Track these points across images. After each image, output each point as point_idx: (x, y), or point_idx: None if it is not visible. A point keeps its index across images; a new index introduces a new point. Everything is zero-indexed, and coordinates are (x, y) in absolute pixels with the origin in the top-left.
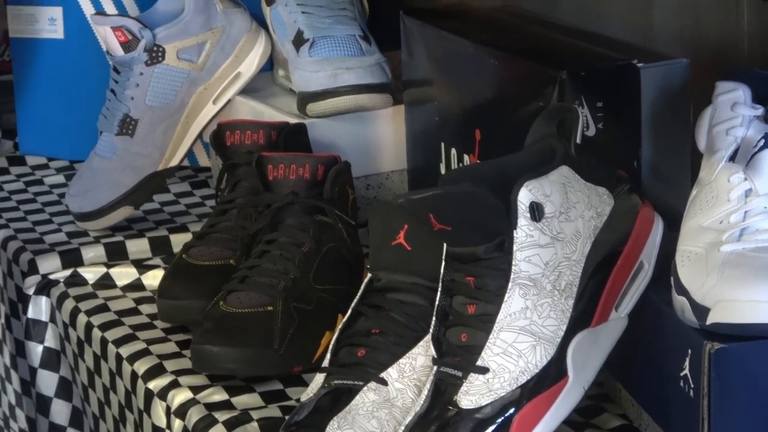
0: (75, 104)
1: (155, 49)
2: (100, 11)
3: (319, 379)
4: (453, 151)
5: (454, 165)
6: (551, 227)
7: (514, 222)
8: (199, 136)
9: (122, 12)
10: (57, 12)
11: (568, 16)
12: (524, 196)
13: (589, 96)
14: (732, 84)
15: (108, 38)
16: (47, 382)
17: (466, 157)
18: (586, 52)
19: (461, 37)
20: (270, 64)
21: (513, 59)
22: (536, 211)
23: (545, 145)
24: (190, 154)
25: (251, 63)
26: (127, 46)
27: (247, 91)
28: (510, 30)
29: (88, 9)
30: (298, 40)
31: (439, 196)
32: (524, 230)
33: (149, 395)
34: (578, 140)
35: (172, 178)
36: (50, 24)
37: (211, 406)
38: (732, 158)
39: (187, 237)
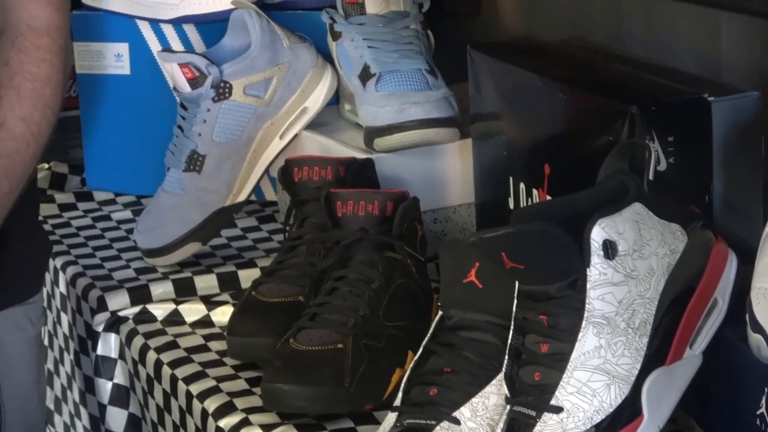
0: (142, 139)
1: (222, 85)
2: (167, 48)
3: (391, 418)
4: (521, 185)
5: (522, 199)
6: (625, 265)
7: (588, 260)
8: (266, 171)
9: (188, 48)
10: (123, 48)
11: (635, 48)
12: (597, 234)
13: (659, 131)
14: None
15: (175, 75)
16: (116, 419)
17: (535, 192)
18: (655, 85)
19: (529, 71)
20: (336, 98)
21: (582, 93)
22: (609, 249)
23: (617, 182)
24: (256, 188)
25: (317, 98)
26: (195, 82)
27: (314, 125)
28: (578, 63)
29: (154, 45)
30: (365, 75)
31: (512, 234)
32: (597, 268)
33: None
34: (650, 177)
35: (239, 212)
36: (117, 60)
37: None
38: None
39: (255, 272)
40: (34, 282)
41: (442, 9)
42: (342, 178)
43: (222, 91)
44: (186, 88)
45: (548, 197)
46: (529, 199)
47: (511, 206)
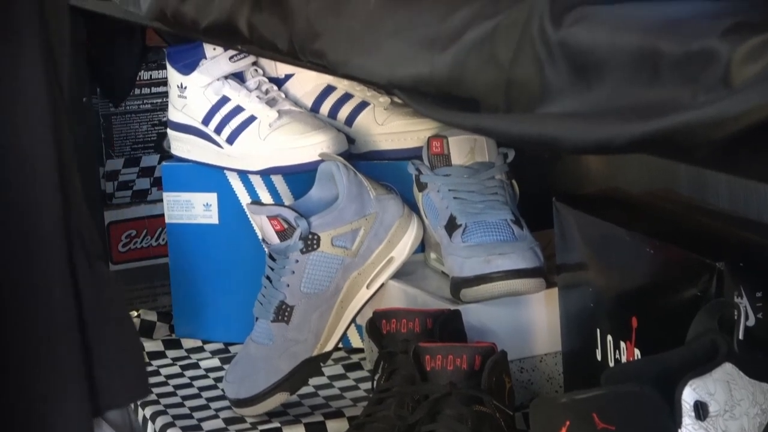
0: (229, 288)
1: (310, 236)
2: (255, 200)
3: None
4: (609, 337)
5: (610, 352)
6: (716, 426)
7: (679, 421)
8: (353, 319)
9: (276, 198)
10: (212, 198)
11: (720, 200)
12: (688, 395)
13: (747, 286)
14: None
15: (264, 227)
16: None
17: (622, 344)
18: (742, 240)
19: (615, 224)
20: (422, 247)
21: (669, 248)
22: (701, 411)
23: (707, 341)
24: (344, 337)
25: (404, 248)
26: (283, 234)
27: (400, 274)
28: (664, 216)
29: (242, 195)
30: (451, 226)
31: (603, 396)
32: (689, 429)
33: None
34: (740, 336)
35: (326, 361)
36: (206, 209)
37: None
38: None
39: (343, 423)
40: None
41: (524, 153)
42: (430, 330)
43: (310, 242)
44: (275, 239)
45: (636, 350)
46: (617, 351)
47: (599, 358)
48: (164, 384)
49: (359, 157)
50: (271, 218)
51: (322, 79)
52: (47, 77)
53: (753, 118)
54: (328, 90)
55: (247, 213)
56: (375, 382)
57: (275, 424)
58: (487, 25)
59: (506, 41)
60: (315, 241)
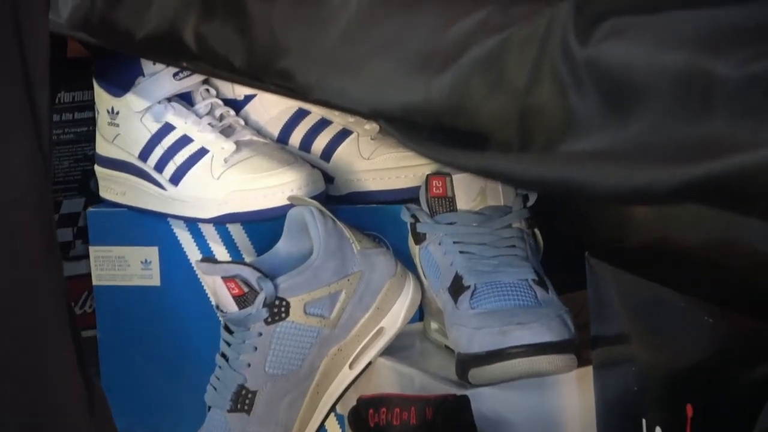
0: (174, 369)
1: (277, 303)
2: (207, 256)
3: None
4: (657, 430)
5: None
6: None
7: None
8: (332, 408)
9: (234, 254)
10: (152, 253)
11: None
12: None
13: None
14: None
15: (218, 291)
16: None
17: None
18: None
19: (665, 285)
20: (420, 315)
21: (733, 317)
22: None
23: None
24: (321, 430)
25: (396, 316)
26: (243, 300)
27: (392, 350)
28: (727, 276)
29: (191, 250)
30: (457, 288)
31: None
32: None
33: None
34: None
35: None
36: (144, 268)
37: None
38: None
39: None
40: None
41: (549, 197)
42: (430, 422)
43: (277, 310)
44: (232, 307)
45: None
46: None
47: None
48: None
49: (340, 200)
50: (227, 279)
51: (293, 102)
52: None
53: None
54: (300, 115)
55: (197, 272)
56: None
57: None
58: (495, 40)
59: (520, 60)
60: (283, 309)
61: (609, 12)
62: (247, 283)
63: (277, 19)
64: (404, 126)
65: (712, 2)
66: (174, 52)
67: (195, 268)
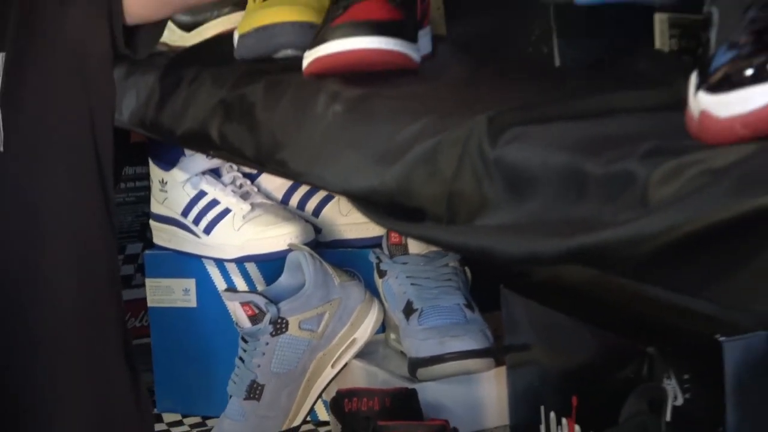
0: (207, 367)
1: (280, 321)
2: (230, 287)
3: None
4: (552, 414)
5: (553, 427)
6: None
7: None
8: (319, 396)
9: (250, 284)
10: (191, 284)
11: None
12: None
13: (676, 369)
14: None
15: (237, 312)
16: None
17: (564, 420)
18: (671, 326)
19: (559, 310)
20: (382, 328)
21: (605, 334)
22: None
23: (638, 422)
24: (312, 413)
25: (366, 330)
26: (255, 319)
27: (362, 354)
28: (604, 303)
29: (218, 281)
30: (408, 310)
31: None
32: None
33: None
34: (668, 418)
35: None
36: (184, 294)
37: None
38: None
39: None
40: None
41: None
42: (388, 408)
43: (279, 326)
44: (247, 324)
45: (576, 427)
46: (559, 427)
47: None
48: None
49: (325, 245)
50: (243, 304)
51: None
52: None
53: (668, 237)
54: (297, 184)
55: (223, 299)
56: None
57: None
58: (431, 142)
59: (448, 157)
60: (284, 325)
61: (512, 123)
62: (258, 307)
63: (276, 123)
64: (366, 203)
65: (585, 117)
66: (203, 145)
67: (221, 295)
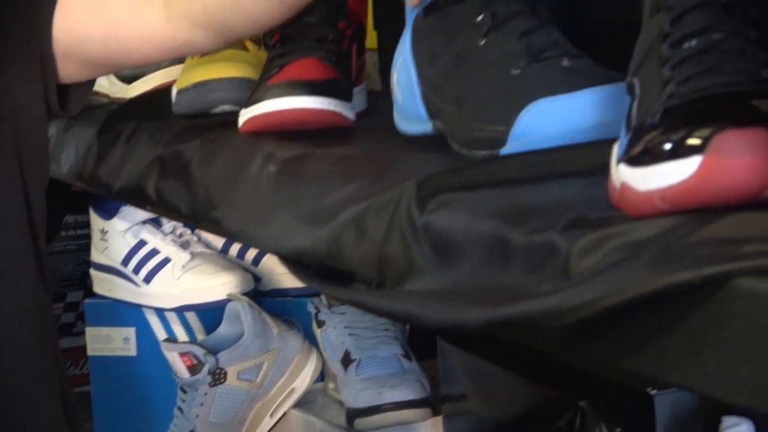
0: (146, 416)
1: (218, 371)
2: (170, 336)
3: None
4: None
5: None
6: None
7: None
8: None
9: (189, 332)
10: (131, 332)
11: None
12: None
13: (607, 422)
14: (736, 419)
15: (176, 363)
16: None
17: None
18: (603, 379)
19: (494, 362)
20: (321, 377)
21: (539, 387)
22: None
23: None
24: None
25: (304, 379)
26: (193, 369)
27: (301, 404)
28: (537, 356)
29: (158, 330)
30: (346, 360)
31: None
32: None
33: None
34: None
35: None
36: (124, 343)
37: None
38: None
39: None
40: None
41: None
42: None
43: (218, 376)
44: (185, 374)
45: None
46: None
47: None
48: None
49: (265, 295)
50: (182, 355)
51: None
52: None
53: (589, 310)
54: None
55: (162, 349)
56: None
57: None
58: (361, 206)
59: (378, 221)
60: (222, 375)
61: (440, 189)
62: (196, 357)
63: (212, 181)
64: (297, 264)
65: (511, 182)
66: (140, 200)
67: (161, 346)
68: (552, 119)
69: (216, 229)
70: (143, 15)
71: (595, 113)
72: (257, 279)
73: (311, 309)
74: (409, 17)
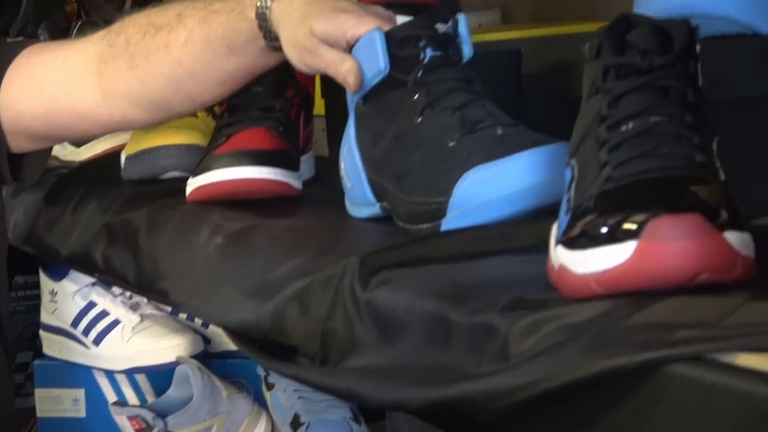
0: None
1: None
2: (118, 401)
3: None
4: None
5: None
6: None
7: None
8: None
9: (139, 394)
10: (80, 394)
11: None
12: None
13: None
14: None
15: (125, 426)
16: None
17: None
18: None
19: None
20: None
21: None
22: None
23: None
24: None
25: None
26: None
27: None
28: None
29: (108, 392)
30: (296, 423)
31: None
32: None
33: None
34: None
35: None
36: (74, 404)
37: None
38: None
39: None
40: None
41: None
42: None
43: None
44: None
45: None
46: None
47: None
48: None
49: (215, 356)
50: (131, 418)
51: None
52: None
53: (526, 393)
54: None
55: (111, 412)
56: None
57: None
58: (304, 281)
59: (321, 297)
60: None
61: (382, 266)
62: (145, 421)
63: (159, 251)
64: (242, 338)
65: (452, 259)
66: (88, 267)
67: (110, 409)
68: (488, 185)
69: (163, 299)
70: (78, 94)
71: (531, 175)
72: (207, 340)
73: (261, 371)
74: (351, 105)
